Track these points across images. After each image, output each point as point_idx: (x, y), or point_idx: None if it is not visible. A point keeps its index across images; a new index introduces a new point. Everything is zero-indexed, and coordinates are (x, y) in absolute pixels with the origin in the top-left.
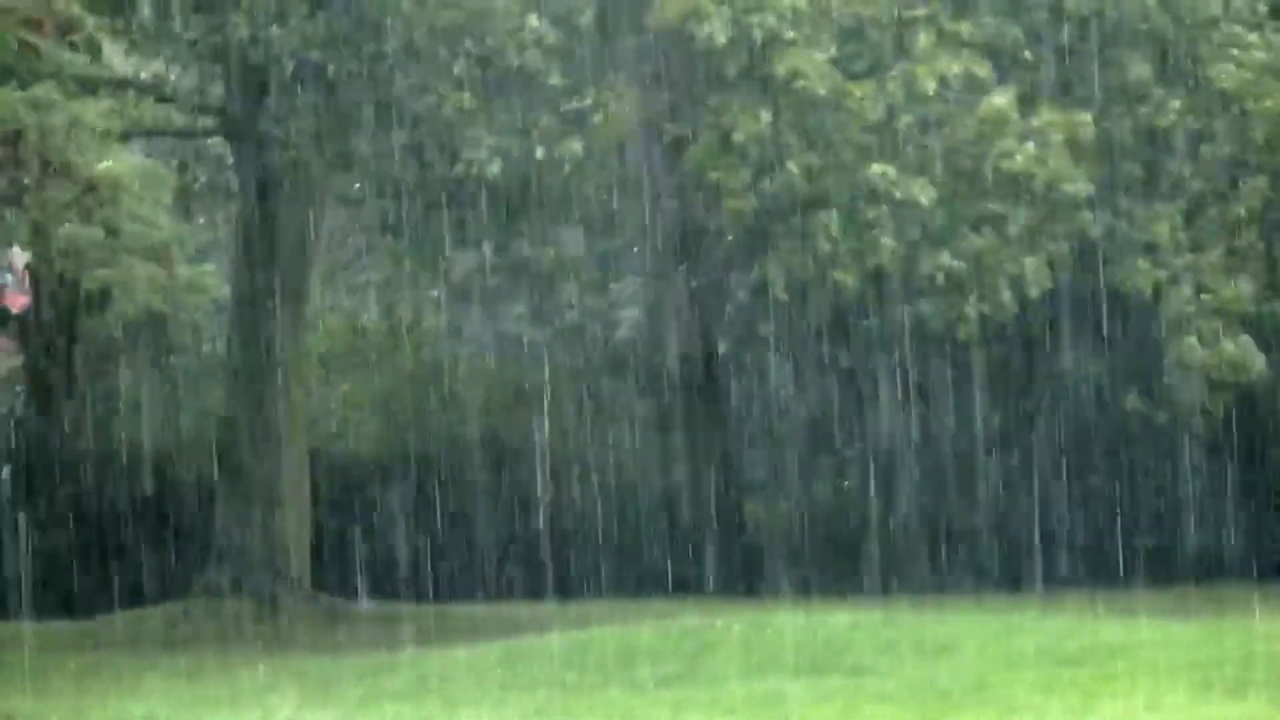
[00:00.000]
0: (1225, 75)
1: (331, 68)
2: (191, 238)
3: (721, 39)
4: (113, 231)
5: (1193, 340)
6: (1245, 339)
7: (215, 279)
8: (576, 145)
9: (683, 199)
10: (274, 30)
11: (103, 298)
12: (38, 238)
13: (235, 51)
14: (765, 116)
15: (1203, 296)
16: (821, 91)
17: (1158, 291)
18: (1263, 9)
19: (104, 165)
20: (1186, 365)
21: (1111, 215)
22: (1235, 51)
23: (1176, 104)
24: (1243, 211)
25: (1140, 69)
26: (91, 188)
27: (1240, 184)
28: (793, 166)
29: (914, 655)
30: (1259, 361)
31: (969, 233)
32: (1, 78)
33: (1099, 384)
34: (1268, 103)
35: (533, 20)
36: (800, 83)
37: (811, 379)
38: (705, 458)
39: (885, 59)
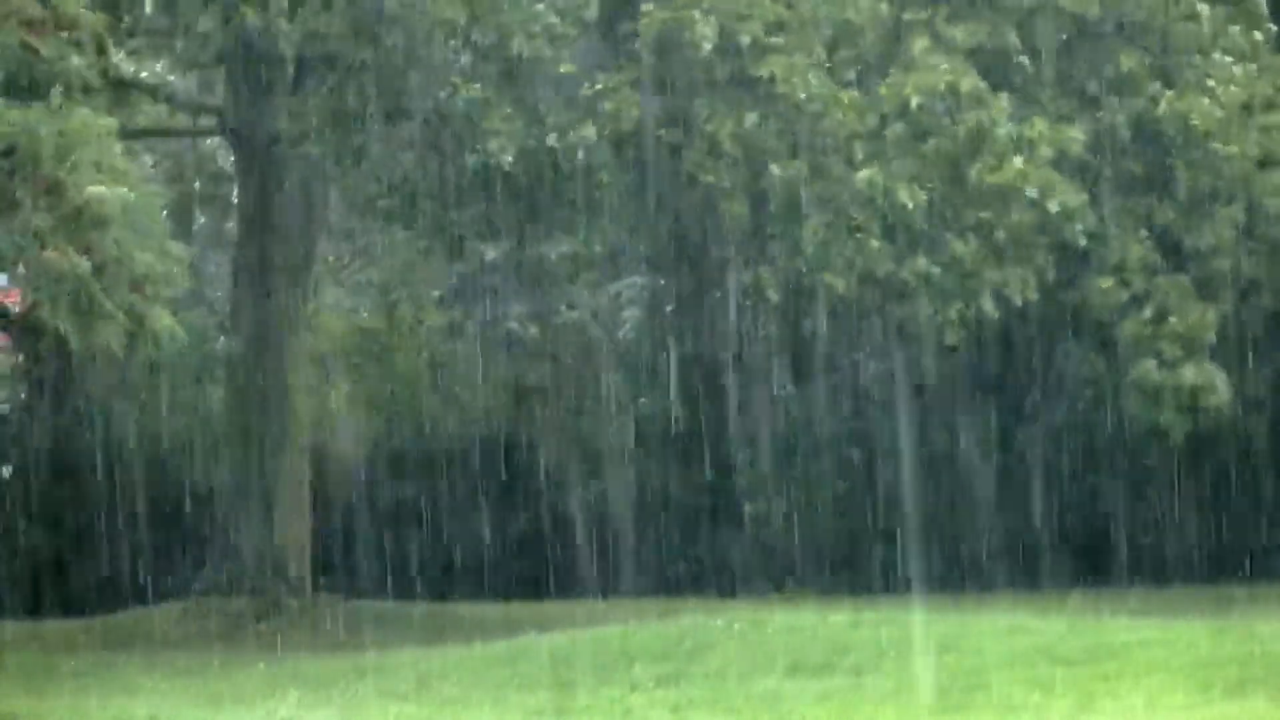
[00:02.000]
0: (1199, 112)
1: (343, 59)
2: (182, 264)
3: (708, 46)
4: (98, 266)
5: (1149, 365)
6: (1209, 366)
7: (181, 334)
8: (589, 131)
9: (681, 199)
10: (284, 23)
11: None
12: (24, 257)
13: (243, 47)
14: (752, 119)
15: (1170, 320)
16: (803, 95)
17: (1121, 312)
18: (1259, 36)
19: (96, 190)
20: (1143, 389)
21: (1088, 232)
22: (1212, 84)
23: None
24: (1213, 239)
25: (1128, 78)
26: (80, 208)
27: (1214, 212)
28: (776, 170)
29: (914, 655)
30: (1223, 389)
31: (954, 239)
32: (3, 86)
33: (1092, 386)
34: (1234, 148)
35: (540, 8)
36: (783, 87)
37: (811, 378)
38: (705, 457)
39: (877, 65)
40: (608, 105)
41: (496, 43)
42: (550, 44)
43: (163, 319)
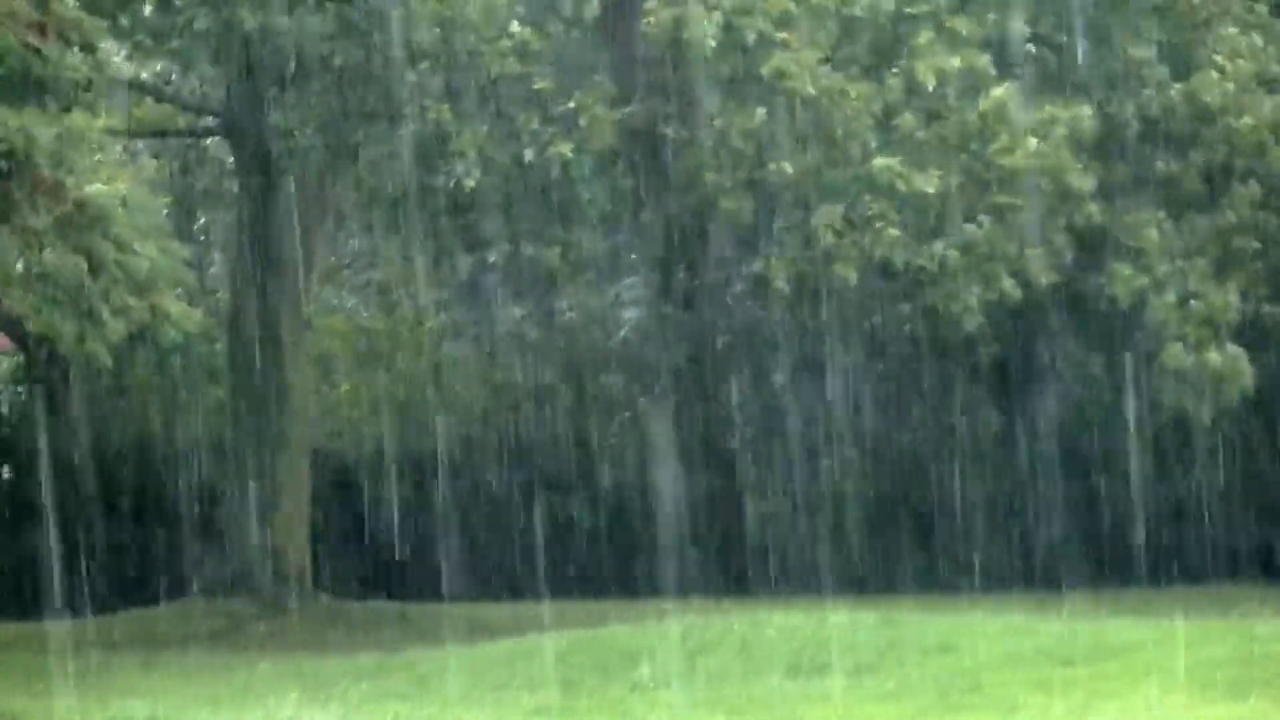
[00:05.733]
0: (1208, 86)
1: (338, 60)
2: (183, 262)
3: (711, 44)
4: (95, 266)
5: (1178, 348)
6: (1234, 349)
7: (196, 318)
8: (566, 147)
9: (680, 199)
10: (282, 21)
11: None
12: (25, 257)
13: (240, 45)
14: (760, 114)
15: (1191, 304)
16: (811, 90)
17: (1140, 298)
18: (1262, 8)
19: (92, 188)
20: (1170, 373)
21: (1103, 216)
22: (1219, 59)
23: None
24: (1233, 218)
25: (1138, 62)
26: (79, 207)
27: (1231, 189)
28: (787, 166)
29: (914, 655)
30: (1247, 373)
31: (969, 225)
32: (2, 87)
33: (1097, 383)
34: (1247, 118)
35: (514, 26)
36: (788, 83)
37: (811, 377)
38: (705, 457)
39: (884, 56)
40: (583, 120)
41: (467, 63)
42: (523, 60)
43: (175, 307)
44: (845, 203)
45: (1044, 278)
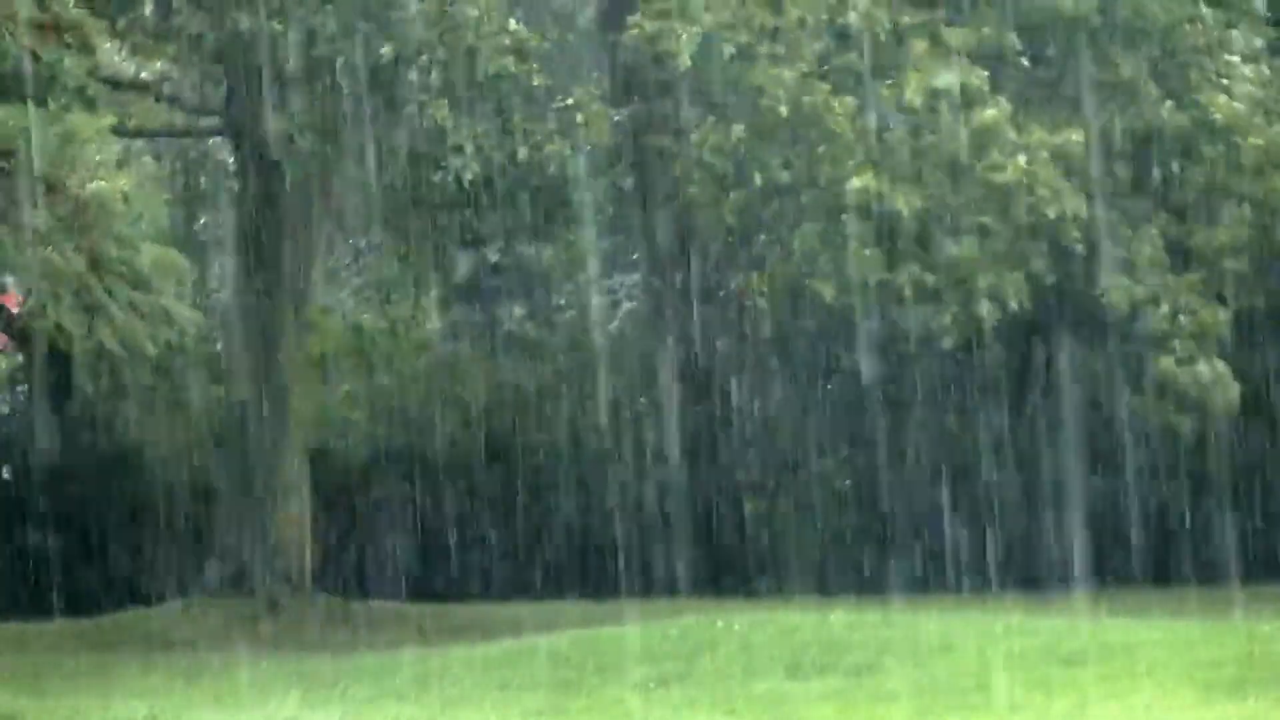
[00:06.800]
0: (1217, 105)
1: (340, 62)
2: (186, 266)
3: (685, 59)
4: (98, 263)
5: (1169, 361)
6: (1221, 364)
7: (199, 319)
8: (563, 145)
9: (666, 206)
10: (278, 24)
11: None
12: (25, 258)
13: (238, 46)
14: (738, 131)
15: (1180, 318)
16: (783, 111)
17: (1135, 310)
18: (1259, 43)
19: (93, 187)
20: (1162, 385)
21: (1096, 230)
22: (1226, 82)
23: (1168, 107)
24: (1226, 238)
25: (1134, 78)
26: (80, 206)
27: (1226, 210)
28: (758, 180)
29: (914, 655)
30: (1234, 390)
31: (951, 244)
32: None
33: (1093, 386)
34: (1256, 139)
35: (512, 24)
36: (764, 100)
37: (811, 378)
38: (703, 457)
39: (876, 69)
40: (579, 118)
41: (464, 59)
42: (520, 58)
43: (176, 307)
44: (821, 220)
45: (1015, 303)
